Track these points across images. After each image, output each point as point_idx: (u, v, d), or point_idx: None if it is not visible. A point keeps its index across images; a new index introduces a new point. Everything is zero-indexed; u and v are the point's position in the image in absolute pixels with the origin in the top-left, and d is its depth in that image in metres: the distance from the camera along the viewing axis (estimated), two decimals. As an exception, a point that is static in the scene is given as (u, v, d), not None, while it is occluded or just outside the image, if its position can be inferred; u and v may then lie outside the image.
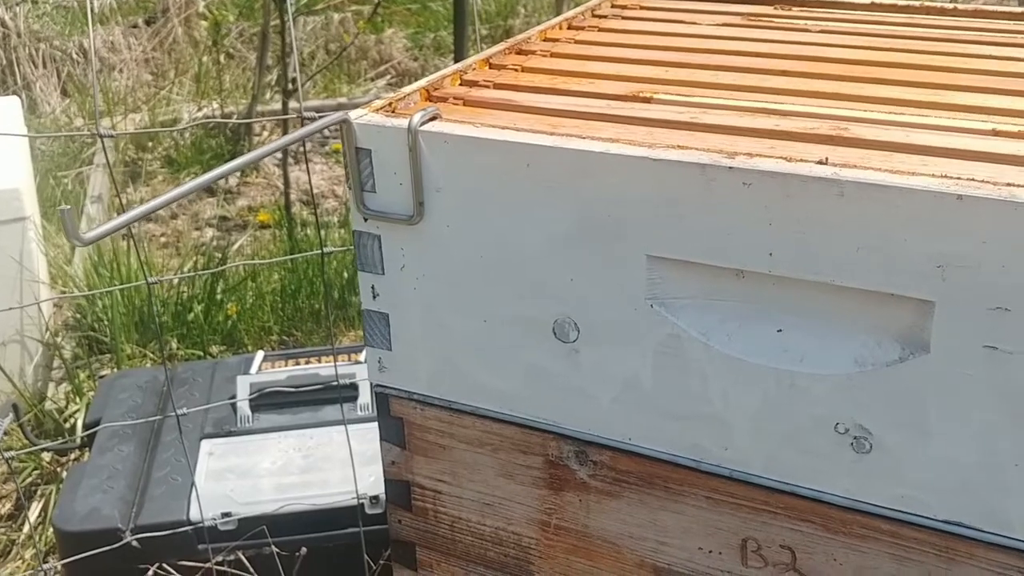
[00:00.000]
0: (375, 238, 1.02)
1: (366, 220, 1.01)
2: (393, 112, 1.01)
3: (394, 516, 1.17)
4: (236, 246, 3.44)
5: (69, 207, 0.75)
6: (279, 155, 3.54)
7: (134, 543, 1.89)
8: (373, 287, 1.04)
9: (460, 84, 1.11)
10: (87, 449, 2.18)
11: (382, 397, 1.10)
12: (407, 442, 1.11)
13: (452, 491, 1.11)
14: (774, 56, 1.14)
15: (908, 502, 0.89)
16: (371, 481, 1.91)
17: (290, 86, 3.03)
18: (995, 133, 0.91)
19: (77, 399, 2.69)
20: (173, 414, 1.91)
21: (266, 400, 2.22)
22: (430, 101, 1.06)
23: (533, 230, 0.95)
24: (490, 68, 1.15)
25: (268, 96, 4.31)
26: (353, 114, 0.99)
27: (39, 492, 2.46)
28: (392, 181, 0.98)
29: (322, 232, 3.39)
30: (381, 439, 1.12)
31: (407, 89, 1.06)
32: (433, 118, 0.97)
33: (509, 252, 0.97)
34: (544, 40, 1.25)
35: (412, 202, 0.98)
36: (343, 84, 4.77)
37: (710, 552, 1.00)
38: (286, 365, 2.37)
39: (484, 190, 0.95)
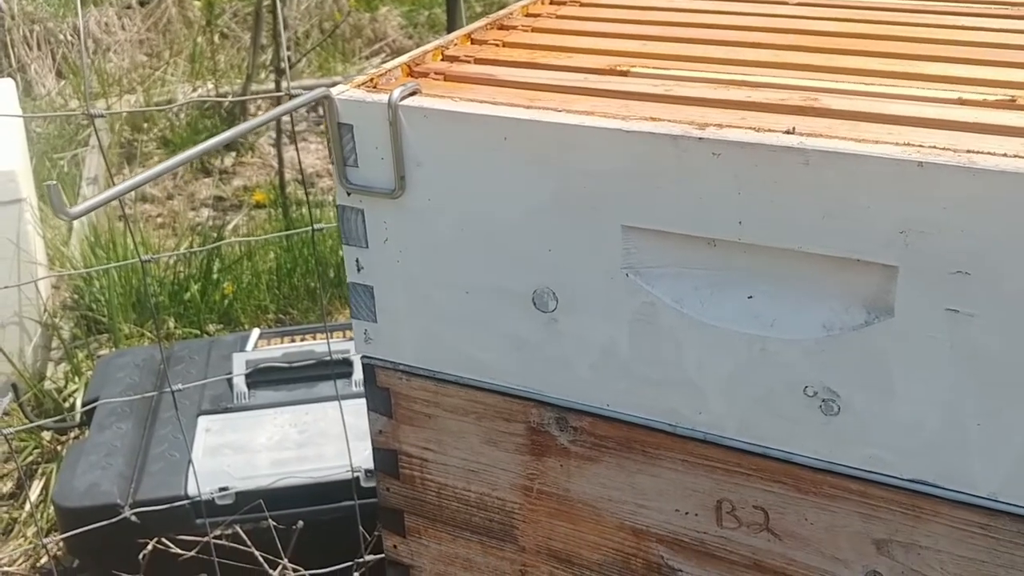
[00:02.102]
0: (358, 212, 1.04)
1: (349, 194, 1.04)
2: (375, 88, 1.03)
3: (382, 484, 1.20)
4: (231, 225, 3.47)
5: (55, 183, 0.77)
6: (274, 134, 3.55)
7: (133, 518, 1.92)
8: (357, 260, 1.07)
9: (442, 59, 1.13)
10: (86, 427, 2.22)
11: (368, 368, 1.12)
12: (394, 412, 1.14)
13: (438, 459, 1.14)
14: (749, 29, 1.16)
15: (875, 462, 0.92)
16: (366, 455, 1.92)
17: (282, 65, 3.04)
18: (960, 102, 0.93)
19: (76, 379, 2.72)
20: (169, 391, 1.94)
21: (262, 377, 2.26)
22: (412, 76, 1.08)
23: (512, 202, 0.97)
24: (472, 43, 1.17)
25: (263, 76, 4.32)
26: (335, 90, 1.01)
27: (40, 471, 2.50)
28: (374, 156, 1.00)
29: (316, 211, 3.41)
30: (368, 409, 1.15)
31: (389, 65, 1.08)
32: (413, 93, 0.99)
33: (489, 224, 0.99)
34: (526, 15, 1.27)
35: (394, 176, 1.00)
36: (337, 63, 4.78)
37: (686, 514, 1.03)
38: (282, 343, 2.40)
39: (463, 163, 0.97)
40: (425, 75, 1.07)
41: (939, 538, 0.92)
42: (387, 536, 1.22)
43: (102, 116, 2.26)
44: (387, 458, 1.17)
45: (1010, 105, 0.91)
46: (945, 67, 1.02)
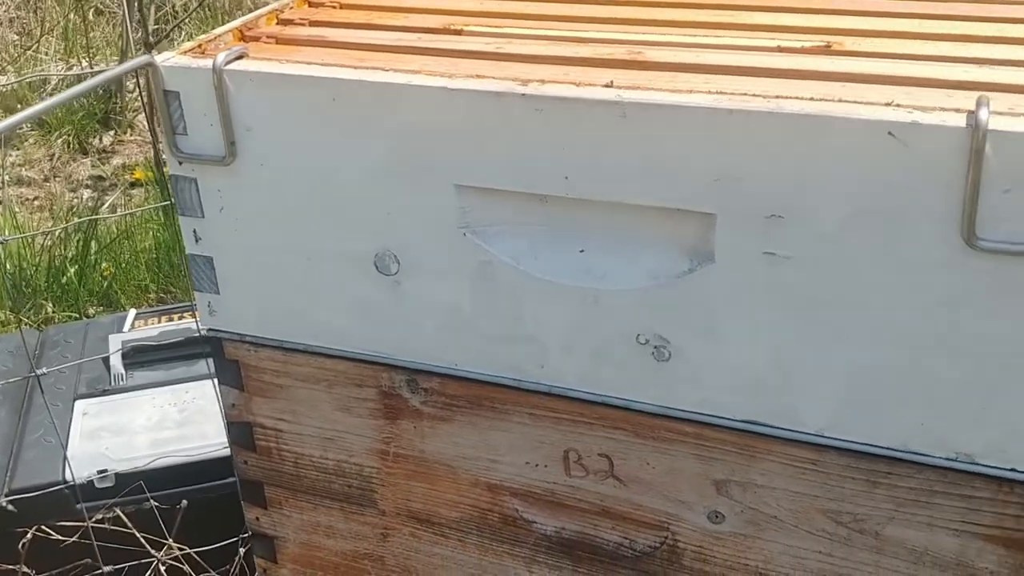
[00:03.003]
0: (191, 181, 1.02)
1: (180, 164, 1.01)
2: (203, 53, 1.01)
3: (240, 457, 1.19)
4: (106, 205, 3.37)
5: None
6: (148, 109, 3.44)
7: (9, 507, 1.87)
8: (195, 231, 1.05)
9: (277, 23, 1.10)
10: (-43, 419, 2.14)
11: (215, 341, 1.11)
12: (244, 384, 1.13)
13: (293, 428, 1.13)
14: (586, -15, 1.16)
15: (708, 405, 0.94)
16: (244, 430, 1.90)
17: (151, 39, 2.96)
18: (779, 49, 0.95)
19: (-54, 370, 2.61)
20: (40, 375, 1.89)
21: (140, 357, 2.21)
22: (243, 41, 1.06)
23: (345, 164, 0.96)
24: (309, 6, 1.15)
25: (140, 51, 4.18)
26: (159, 57, 0.98)
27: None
28: (203, 123, 0.98)
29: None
30: (219, 383, 1.14)
31: (219, 30, 1.06)
32: (239, 57, 0.97)
33: (324, 188, 0.98)
34: (368, -23, 1.25)
35: (224, 142, 0.98)
36: (219, 35, 4.65)
37: (537, 466, 1.04)
38: (159, 322, 2.35)
39: (293, 127, 0.96)
40: (257, 39, 1.05)
41: (773, 476, 0.95)
42: (249, 509, 1.22)
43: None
44: (242, 431, 1.16)
45: (825, 51, 0.94)
46: (770, 16, 1.04)
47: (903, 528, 0.92)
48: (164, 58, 0.98)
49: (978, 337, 0.82)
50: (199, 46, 1.02)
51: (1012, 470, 0.86)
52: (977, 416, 0.85)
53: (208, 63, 0.96)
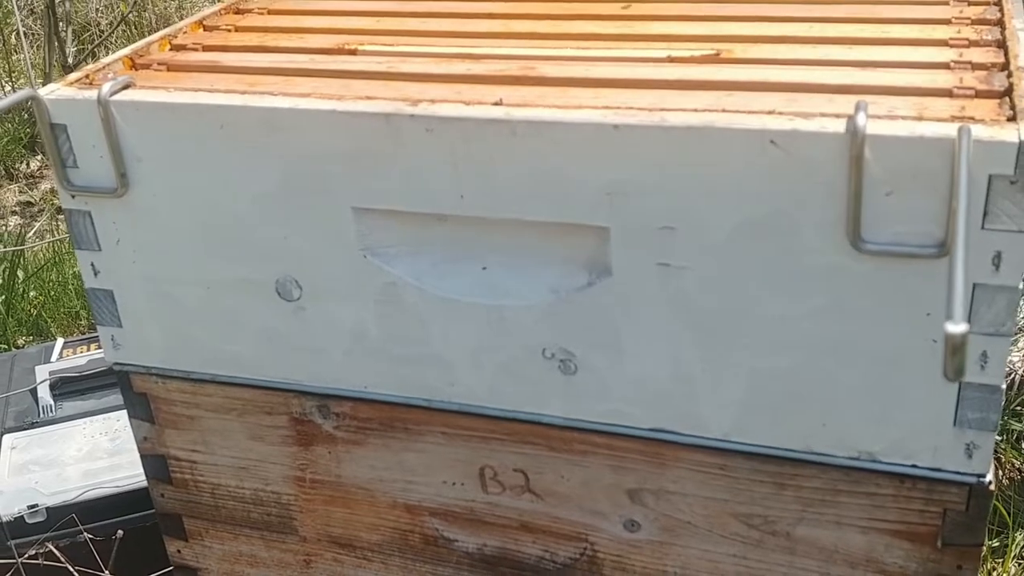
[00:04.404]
0: (85, 214, 1.00)
1: (73, 197, 0.99)
2: (90, 84, 0.99)
3: (156, 490, 1.17)
4: (33, 231, 3.30)
5: None
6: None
7: (-65, 548, 1.82)
8: (93, 264, 1.03)
9: (170, 49, 1.09)
10: None
11: (123, 375, 1.09)
12: (155, 416, 1.11)
13: (207, 459, 1.12)
14: (484, -1, 1.16)
15: (616, 415, 0.94)
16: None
17: (69, 61, 2.90)
18: (670, 60, 0.95)
19: None
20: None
21: (69, 387, 2.17)
22: (134, 69, 1.04)
23: (239, 191, 0.95)
24: (204, 30, 1.14)
25: (63, 75, 4.11)
26: (43, 90, 0.96)
27: None
28: (92, 155, 0.97)
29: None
30: (130, 416, 1.12)
31: (108, 59, 1.04)
32: (126, 86, 0.96)
33: (219, 216, 0.97)
34: (265, -2, 1.24)
35: (114, 174, 0.96)
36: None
37: (454, 484, 1.04)
38: (88, 350, 2.31)
39: (183, 155, 0.95)
40: (148, 67, 1.03)
41: (684, 482, 0.96)
42: (170, 542, 1.20)
43: None
44: (156, 464, 1.14)
45: (714, 60, 0.95)
46: (661, 25, 1.04)
47: (812, 528, 0.93)
48: (49, 90, 0.96)
49: (870, 338, 0.83)
50: (86, 76, 1.00)
51: (912, 466, 0.88)
52: (876, 415, 0.87)
53: (93, 95, 0.94)
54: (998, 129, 0.75)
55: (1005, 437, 1.94)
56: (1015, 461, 1.92)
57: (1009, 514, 1.72)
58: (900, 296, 0.81)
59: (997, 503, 1.73)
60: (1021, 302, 2.22)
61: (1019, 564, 1.72)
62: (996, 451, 1.91)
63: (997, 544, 1.72)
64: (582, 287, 0.90)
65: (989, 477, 0.87)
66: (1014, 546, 1.70)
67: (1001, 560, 1.71)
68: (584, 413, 0.95)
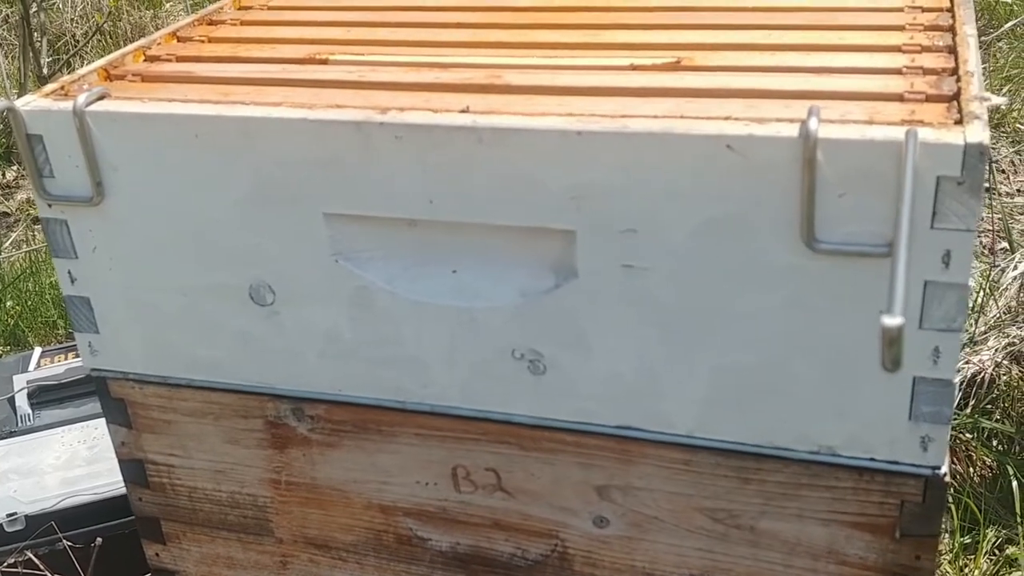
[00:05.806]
0: (62, 223, 1.02)
1: (50, 206, 1.01)
2: (65, 95, 1.01)
3: (134, 494, 1.18)
4: (9, 241, 3.30)
5: None
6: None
7: (-87, 559, 1.82)
8: (70, 272, 1.04)
9: (144, 60, 1.11)
10: None
11: (100, 380, 1.10)
12: (132, 421, 1.12)
13: (184, 463, 1.13)
14: (453, 9, 1.18)
15: (584, 413, 0.97)
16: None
17: (44, 72, 2.90)
18: (632, 68, 0.98)
19: None
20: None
21: (46, 396, 2.18)
22: (109, 80, 1.06)
23: (213, 199, 0.97)
24: (177, 41, 1.16)
25: (38, 85, 4.10)
26: (19, 101, 0.98)
27: None
28: (68, 164, 0.98)
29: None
30: (108, 422, 1.13)
31: (83, 70, 1.06)
32: (101, 97, 0.98)
33: (194, 223, 0.99)
34: (238, 8, 1.26)
35: (90, 183, 0.98)
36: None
37: (427, 484, 1.06)
38: (66, 359, 2.31)
39: (158, 164, 0.97)
40: (122, 78, 1.05)
41: (650, 478, 0.98)
42: (148, 545, 1.21)
43: None
44: (134, 468, 1.15)
45: (675, 67, 0.97)
46: (627, 34, 1.07)
47: (775, 521, 0.96)
48: (25, 102, 0.98)
49: (826, 335, 0.86)
50: (61, 87, 1.02)
51: (871, 459, 0.91)
52: (835, 410, 0.89)
53: (69, 105, 0.96)
54: (945, 132, 0.78)
55: (976, 435, 1.98)
56: (986, 458, 1.96)
57: (980, 511, 1.76)
58: (854, 294, 0.84)
59: (968, 500, 1.76)
60: (990, 302, 2.26)
61: (990, 560, 1.75)
62: (967, 449, 1.96)
63: (969, 540, 1.75)
64: (549, 289, 0.92)
65: (944, 469, 0.90)
66: (985, 542, 1.74)
67: (973, 556, 1.74)
68: (553, 412, 0.98)
